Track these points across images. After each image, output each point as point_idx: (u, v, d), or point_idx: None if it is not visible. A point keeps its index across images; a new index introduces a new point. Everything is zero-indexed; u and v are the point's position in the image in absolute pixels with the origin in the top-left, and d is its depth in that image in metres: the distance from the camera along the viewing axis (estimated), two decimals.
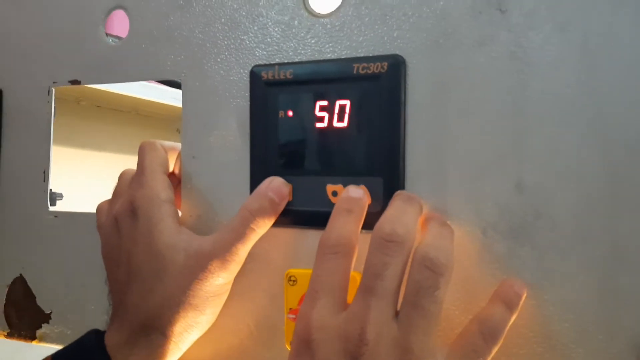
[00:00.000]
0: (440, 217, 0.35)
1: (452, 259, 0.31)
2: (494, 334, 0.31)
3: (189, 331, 0.39)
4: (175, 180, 0.48)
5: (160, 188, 0.40)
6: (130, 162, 0.45)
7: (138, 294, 0.39)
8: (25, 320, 0.50)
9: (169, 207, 0.40)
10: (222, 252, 0.38)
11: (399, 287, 0.31)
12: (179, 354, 0.39)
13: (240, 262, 0.39)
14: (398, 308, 0.31)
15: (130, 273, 0.40)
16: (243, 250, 0.38)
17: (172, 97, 1.09)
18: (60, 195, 0.62)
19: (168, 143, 0.46)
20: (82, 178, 0.99)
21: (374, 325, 0.30)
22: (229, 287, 0.40)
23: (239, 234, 0.38)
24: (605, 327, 0.32)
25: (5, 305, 0.50)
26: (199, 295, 0.38)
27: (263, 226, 0.38)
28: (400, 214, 0.33)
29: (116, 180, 0.45)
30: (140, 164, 0.42)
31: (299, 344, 0.32)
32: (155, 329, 0.38)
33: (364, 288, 0.31)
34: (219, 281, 0.38)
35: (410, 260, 0.32)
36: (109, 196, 0.45)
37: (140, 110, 1.22)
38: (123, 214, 0.41)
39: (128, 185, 0.43)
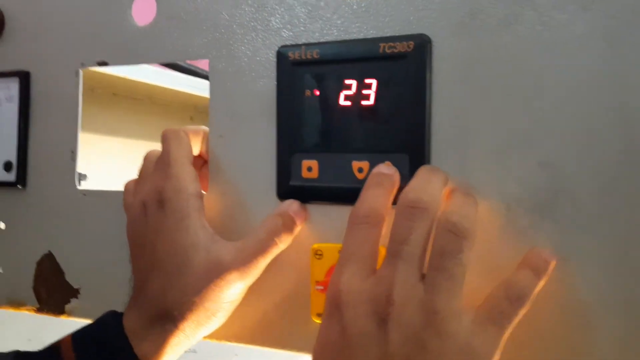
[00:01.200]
0: (464, 188, 0.36)
1: (475, 224, 0.32)
2: (520, 297, 0.32)
3: (199, 329, 0.40)
4: (200, 161, 0.49)
5: (189, 180, 0.41)
6: (145, 148, 0.46)
7: (158, 285, 0.40)
8: (55, 295, 0.51)
9: (196, 201, 0.41)
10: (242, 264, 0.39)
11: (424, 252, 0.32)
12: (189, 345, 0.41)
13: (258, 274, 0.40)
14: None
15: (153, 263, 0.41)
16: (263, 263, 0.40)
17: (186, 85, 1.10)
18: (85, 177, 0.63)
19: (190, 128, 0.46)
20: (99, 162, 1.01)
21: (401, 287, 0.31)
22: (243, 294, 0.41)
23: (264, 247, 0.39)
24: (623, 298, 0.33)
25: (34, 281, 0.52)
26: (212, 300, 0.39)
27: (285, 241, 0.40)
28: (424, 182, 0.34)
29: (133, 163, 0.46)
30: (165, 153, 0.42)
31: (329, 306, 0.33)
32: (170, 320, 0.39)
33: (390, 253, 0.32)
34: (234, 290, 0.40)
35: (435, 227, 0.32)
36: (126, 180, 0.46)
37: (155, 98, 1.23)
38: (150, 202, 0.41)
39: (153, 170, 0.43)
